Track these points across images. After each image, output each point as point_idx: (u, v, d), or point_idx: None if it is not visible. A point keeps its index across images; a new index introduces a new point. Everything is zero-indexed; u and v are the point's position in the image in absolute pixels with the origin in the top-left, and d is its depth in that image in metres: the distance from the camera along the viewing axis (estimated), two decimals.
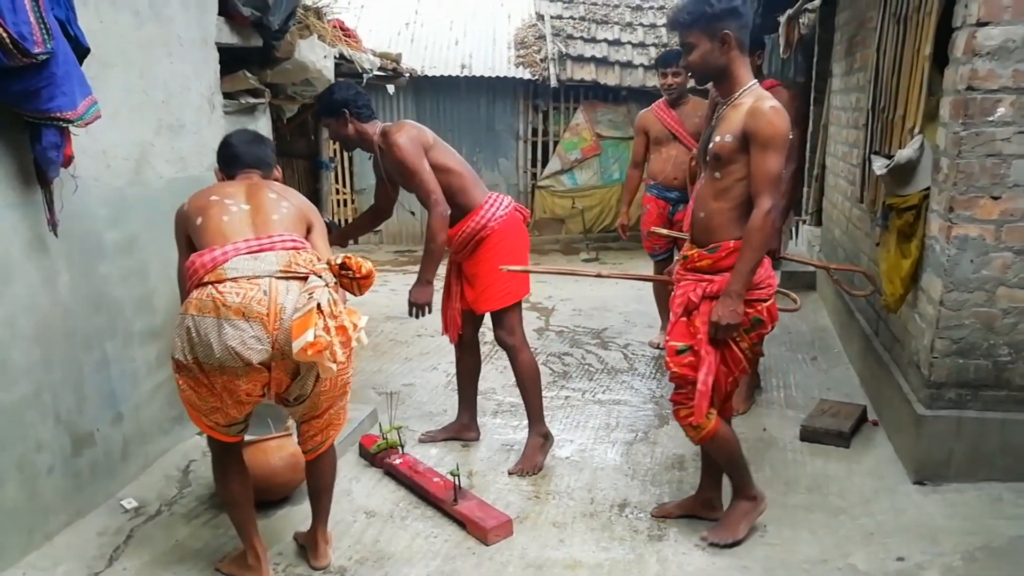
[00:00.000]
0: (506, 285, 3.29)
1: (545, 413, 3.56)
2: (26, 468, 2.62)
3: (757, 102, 2.34)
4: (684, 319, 2.53)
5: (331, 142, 7.91)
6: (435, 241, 3.15)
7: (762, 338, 2.56)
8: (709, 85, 2.59)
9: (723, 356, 2.48)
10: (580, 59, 8.58)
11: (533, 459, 3.32)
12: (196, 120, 3.52)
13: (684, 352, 2.50)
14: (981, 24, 2.70)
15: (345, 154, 8.79)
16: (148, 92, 3.24)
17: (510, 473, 3.27)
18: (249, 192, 2.47)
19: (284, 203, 2.45)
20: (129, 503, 2.99)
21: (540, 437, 3.38)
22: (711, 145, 2.45)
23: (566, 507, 3.01)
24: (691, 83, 3.86)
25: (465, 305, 3.42)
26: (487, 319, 3.44)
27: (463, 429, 3.62)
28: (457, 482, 2.90)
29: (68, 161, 2.63)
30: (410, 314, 3.31)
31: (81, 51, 2.57)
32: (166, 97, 3.36)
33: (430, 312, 3.33)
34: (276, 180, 2.66)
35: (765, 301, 2.48)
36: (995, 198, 2.82)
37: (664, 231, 4.03)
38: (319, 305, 2.14)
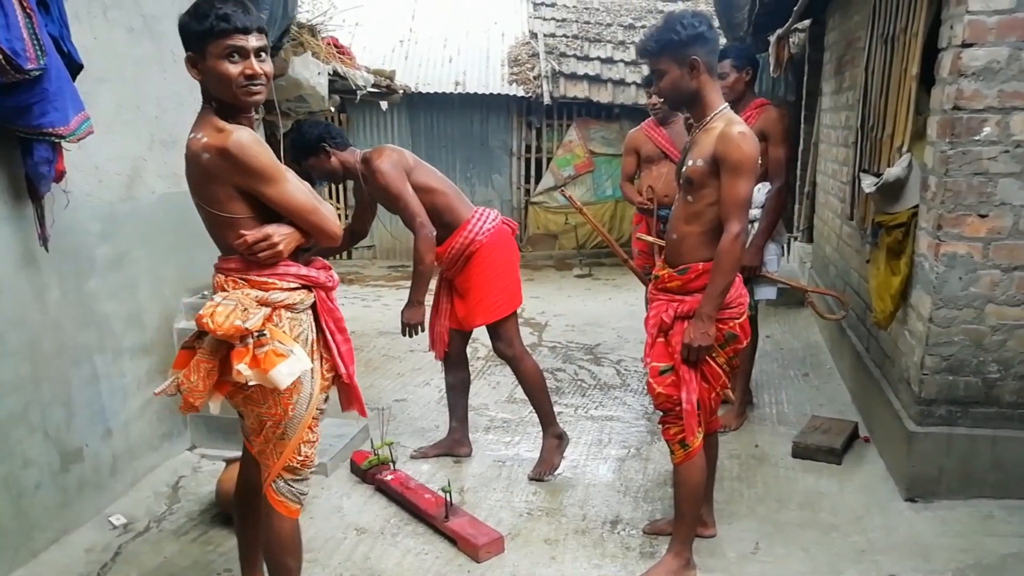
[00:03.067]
0: (499, 297, 3.33)
1: (538, 429, 3.56)
2: (12, 485, 2.60)
3: (727, 127, 2.36)
4: (662, 339, 2.55)
5: None
6: (423, 263, 3.19)
7: (738, 352, 2.58)
8: None
9: (702, 373, 2.50)
10: (573, 77, 8.65)
11: (550, 461, 3.36)
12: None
13: (667, 372, 2.51)
14: (966, 45, 2.74)
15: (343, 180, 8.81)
16: (141, 108, 3.25)
17: (530, 479, 3.31)
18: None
19: (203, 211, 2.04)
20: (117, 519, 2.97)
21: (555, 439, 3.41)
22: (684, 169, 2.48)
23: (558, 524, 2.99)
24: None
25: (454, 323, 3.44)
26: (476, 334, 3.46)
27: (455, 445, 3.62)
28: (448, 498, 2.89)
29: (60, 176, 2.64)
30: (403, 334, 3.34)
31: (74, 67, 2.58)
32: (159, 113, 3.37)
33: (422, 331, 3.36)
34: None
35: (738, 318, 2.50)
36: (982, 216, 2.85)
37: (649, 238, 4.06)
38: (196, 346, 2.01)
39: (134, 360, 3.23)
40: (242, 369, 1.92)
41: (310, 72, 4.41)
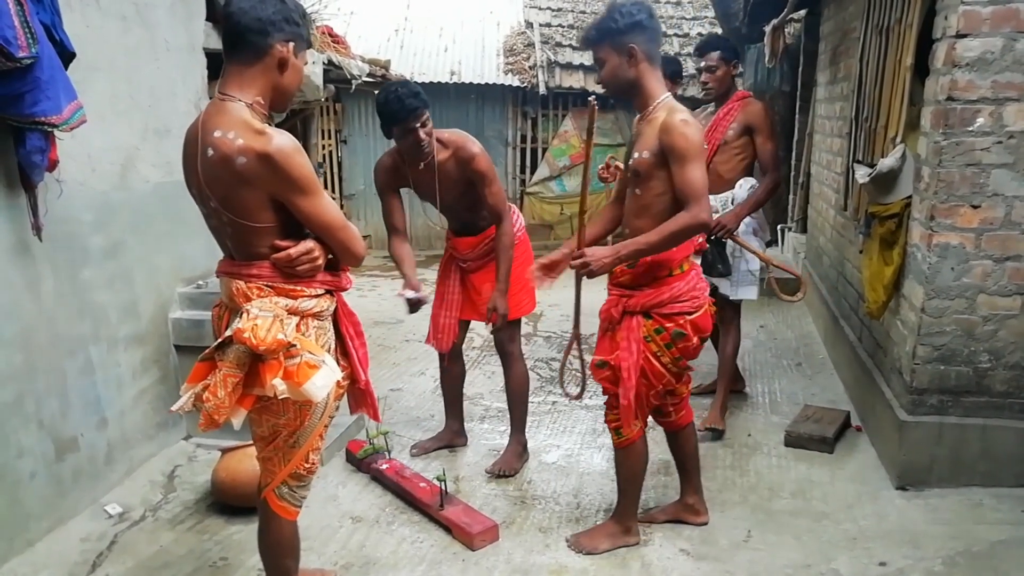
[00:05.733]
0: (525, 297, 3.32)
1: (532, 418, 3.57)
2: (7, 475, 2.60)
3: (668, 116, 2.35)
4: (609, 334, 2.56)
5: (320, 147, 7.92)
6: (513, 247, 3.18)
7: (687, 352, 2.51)
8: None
9: (643, 371, 2.48)
10: (568, 67, 8.62)
11: (511, 462, 3.35)
12: (183, 125, 3.43)
13: (603, 367, 2.54)
14: (960, 36, 2.74)
15: (334, 159, 8.79)
16: (134, 97, 3.24)
17: (488, 473, 3.30)
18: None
19: (224, 217, 1.91)
20: (113, 509, 2.97)
21: (519, 445, 3.41)
22: (631, 162, 2.47)
23: (552, 512, 3.01)
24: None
25: (468, 314, 3.39)
26: (472, 325, 3.45)
27: (454, 436, 3.62)
28: (443, 487, 2.90)
29: (53, 165, 2.62)
30: (496, 328, 3.25)
31: (67, 56, 2.56)
32: (152, 102, 3.36)
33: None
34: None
35: (689, 314, 2.45)
36: (975, 207, 2.86)
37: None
38: (216, 356, 1.88)
39: (129, 350, 3.23)
40: (277, 384, 1.83)
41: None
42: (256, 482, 2.45)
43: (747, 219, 3.63)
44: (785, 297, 3.56)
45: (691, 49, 8.51)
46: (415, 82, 3.18)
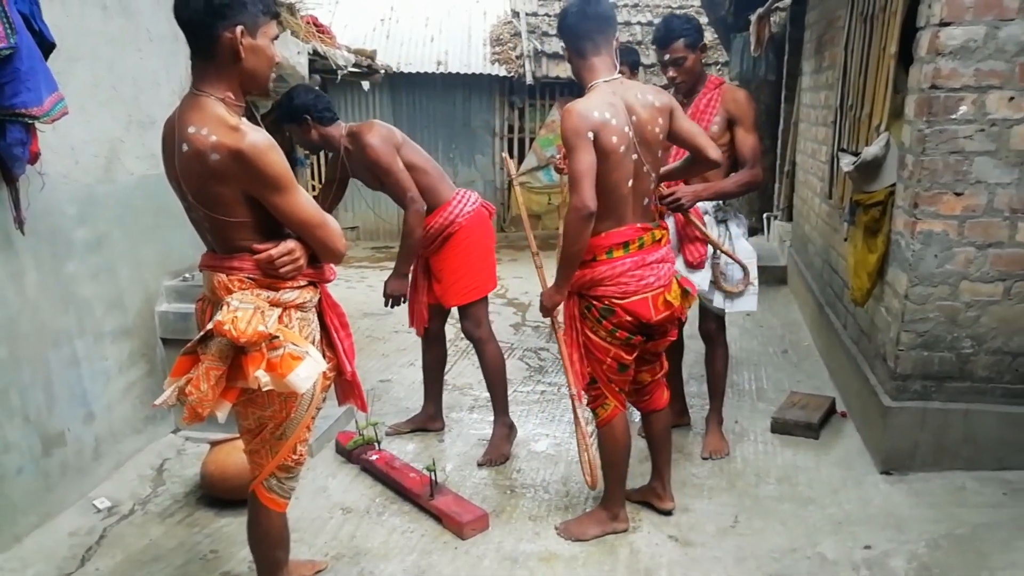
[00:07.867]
0: (473, 280, 3.36)
1: (521, 408, 3.59)
2: None
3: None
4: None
5: None
6: (412, 236, 3.21)
7: (624, 326, 2.51)
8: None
9: (586, 348, 2.60)
10: (556, 56, 8.60)
11: (500, 448, 3.37)
12: (167, 116, 3.45)
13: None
14: (944, 24, 2.76)
15: (321, 151, 8.74)
16: (117, 87, 3.20)
17: (479, 464, 3.32)
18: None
19: (200, 212, 1.90)
20: (101, 503, 2.96)
21: (505, 428, 3.44)
22: None
23: (541, 500, 3.03)
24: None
25: (432, 299, 3.46)
26: (454, 312, 3.50)
27: (429, 420, 3.66)
28: (433, 477, 2.91)
29: (35, 158, 2.59)
30: (386, 304, 3.41)
31: (47, 46, 2.53)
32: (136, 93, 3.32)
33: (405, 302, 3.43)
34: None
35: (617, 298, 2.49)
36: (958, 194, 2.89)
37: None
38: (199, 350, 1.88)
39: (115, 343, 3.21)
40: (260, 376, 1.82)
41: (289, 51, 4.36)
42: (245, 475, 2.46)
43: (711, 205, 3.28)
44: (726, 287, 3.32)
45: None
46: (308, 91, 3.26)
